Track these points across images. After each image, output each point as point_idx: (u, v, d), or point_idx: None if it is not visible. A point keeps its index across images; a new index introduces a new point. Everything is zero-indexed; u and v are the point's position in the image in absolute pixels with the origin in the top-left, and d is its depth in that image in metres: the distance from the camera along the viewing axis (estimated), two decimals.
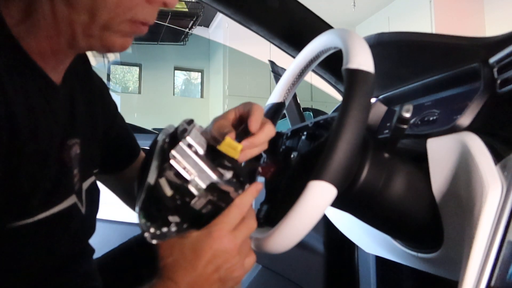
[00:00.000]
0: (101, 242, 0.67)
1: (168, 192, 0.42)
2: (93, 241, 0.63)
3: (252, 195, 0.47)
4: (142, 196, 0.42)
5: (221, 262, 0.44)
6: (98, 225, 0.61)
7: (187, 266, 0.43)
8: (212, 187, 0.44)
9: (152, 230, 0.42)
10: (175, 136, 0.45)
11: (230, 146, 0.46)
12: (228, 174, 0.46)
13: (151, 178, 0.42)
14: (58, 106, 0.50)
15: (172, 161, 0.42)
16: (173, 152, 0.42)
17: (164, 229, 0.42)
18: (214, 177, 0.44)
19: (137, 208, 0.43)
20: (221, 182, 0.45)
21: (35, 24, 0.45)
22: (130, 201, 0.76)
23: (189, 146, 0.44)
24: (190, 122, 0.48)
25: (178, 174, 0.43)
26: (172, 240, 0.44)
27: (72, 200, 0.52)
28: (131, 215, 0.92)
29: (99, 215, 0.61)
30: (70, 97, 0.54)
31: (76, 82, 0.57)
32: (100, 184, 0.64)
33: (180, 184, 0.42)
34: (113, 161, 0.70)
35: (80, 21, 0.44)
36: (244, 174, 0.47)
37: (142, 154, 0.75)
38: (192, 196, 0.43)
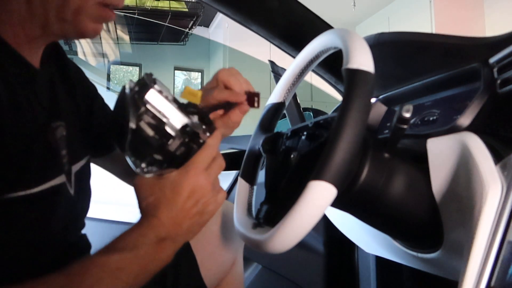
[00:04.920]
0: (101, 242, 0.67)
1: (150, 132, 0.46)
2: (93, 241, 0.63)
3: (219, 138, 0.51)
4: (128, 139, 0.45)
5: (198, 197, 0.48)
6: (98, 225, 0.61)
7: (168, 203, 0.46)
8: (184, 129, 0.48)
9: (143, 165, 0.46)
10: (144, 85, 0.48)
11: (190, 93, 0.51)
12: (195, 118, 0.50)
13: (132, 123, 0.45)
14: (39, 89, 0.52)
15: (148, 106, 0.46)
16: (146, 97, 0.46)
17: (150, 167, 0.47)
18: (186, 119, 0.48)
19: (126, 149, 0.46)
20: (192, 124, 0.49)
21: (8, 9, 0.46)
22: (129, 179, 0.77)
23: (160, 92, 0.47)
24: (150, 75, 0.52)
25: (155, 117, 0.46)
26: (151, 181, 0.47)
27: (61, 179, 0.53)
28: (131, 215, 0.92)
29: (98, 215, 0.61)
30: (50, 82, 0.56)
31: (54, 69, 0.58)
32: (100, 184, 0.64)
33: (158, 125, 0.46)
34: (102, 143, 0.72)
35: (53, 4, 0.45)
36: (208, 119, 0.52)
37: None
38: (169, 136, 0.47)
